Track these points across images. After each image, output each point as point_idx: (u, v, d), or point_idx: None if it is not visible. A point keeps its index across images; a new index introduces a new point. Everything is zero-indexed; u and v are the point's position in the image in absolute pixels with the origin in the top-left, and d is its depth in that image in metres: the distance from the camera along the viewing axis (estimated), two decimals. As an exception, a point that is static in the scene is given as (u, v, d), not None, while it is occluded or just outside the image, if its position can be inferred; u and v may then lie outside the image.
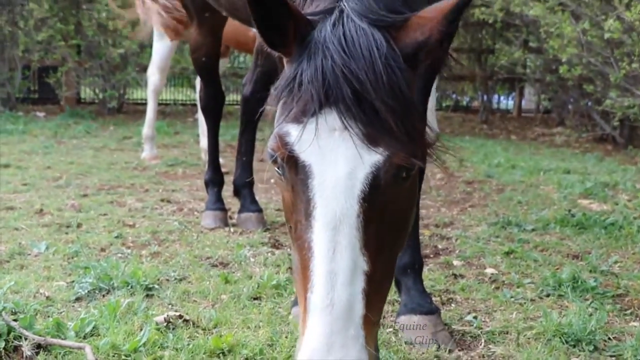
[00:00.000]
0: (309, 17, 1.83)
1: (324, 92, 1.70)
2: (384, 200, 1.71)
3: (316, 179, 1.69)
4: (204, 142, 6.79)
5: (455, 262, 4.02)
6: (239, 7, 3.55)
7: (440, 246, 4.41)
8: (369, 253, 1.67)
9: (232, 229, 4.68)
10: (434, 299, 3.17)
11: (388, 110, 1.69)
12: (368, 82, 1.69)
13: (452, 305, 3.34)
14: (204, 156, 6.63)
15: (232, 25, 5.53)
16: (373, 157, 1.69)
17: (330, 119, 1.69)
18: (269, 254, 4.03)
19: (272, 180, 5.55)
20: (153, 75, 7.91)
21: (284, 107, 1.79)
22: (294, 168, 1.73)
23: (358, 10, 1.80)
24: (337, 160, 1.68)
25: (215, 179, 4.90)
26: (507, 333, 2.96)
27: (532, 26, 10.63)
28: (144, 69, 12.87)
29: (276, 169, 1.79)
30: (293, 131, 1.72)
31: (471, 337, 2.94)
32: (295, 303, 3.05)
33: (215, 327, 2.88)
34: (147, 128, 7.93)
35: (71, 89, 12.44)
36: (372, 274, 1.67)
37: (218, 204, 4.83)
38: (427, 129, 1.93)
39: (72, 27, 11.59)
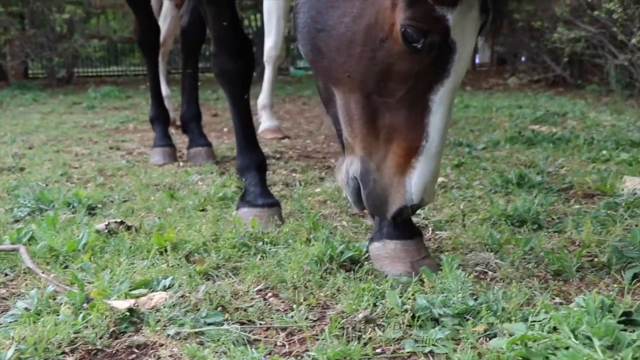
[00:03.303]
0: None
1: None
2: None
3: (457, 54, 1.90)
4: (261, 98, 6.11)
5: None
6: None
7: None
8: None
9: (181, 164, 4.61)
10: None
11: None
12: None
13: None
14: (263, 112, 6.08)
15: None
16: (480, 23, 1.94)
17: None
18: (217, 178, 3.98)
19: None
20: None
21: None
22: (439, 45, 1.88)
23: None
24: (471, 37, 1.91)
25: (159, 115, 4.80)
26: (454, 221, 2.96)
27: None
28: (91, 37, 12.68)
29: (411, 43, 1.88)
30: (449, 14, 1.84)
31: (418, 226, 2.93)
32: (239, 205, 3.01)
33: (159, 231, 2.82)
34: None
35: (16, 59, 12.13)
36: None
37: (165, 139, 4.74)
38: None
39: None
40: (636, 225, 2.71)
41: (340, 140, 2.20)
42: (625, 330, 1.74)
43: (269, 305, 2.08)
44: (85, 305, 1.99)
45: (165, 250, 2.53)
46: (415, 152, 1.95)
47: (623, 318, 1.79)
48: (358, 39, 1.95)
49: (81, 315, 1.93)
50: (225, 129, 6.67)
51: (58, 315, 1.94)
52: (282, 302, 2.11)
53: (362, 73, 1.96)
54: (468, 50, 1.92)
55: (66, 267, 2.45)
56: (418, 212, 3.04)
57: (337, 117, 2.12)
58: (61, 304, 2.04)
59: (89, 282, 2.24)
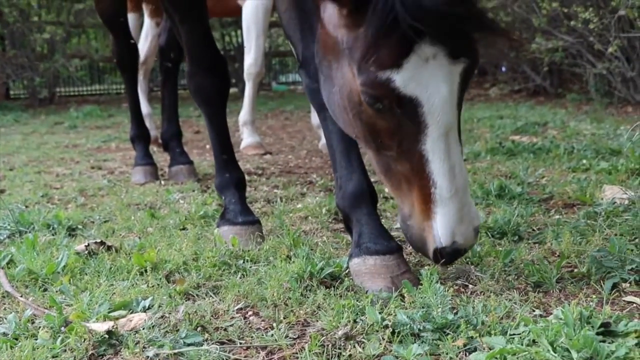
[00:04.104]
0: None
1: (414, 30, 1.87)
2: (465, 93, 2.07)
3: (425, 107, 1.94)
4: (242, 114, 6.17)
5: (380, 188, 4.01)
6: None
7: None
8: (459, 138, 2.07)
9: (163, 183, 4.60)
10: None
11: (467, 21, 1.94)
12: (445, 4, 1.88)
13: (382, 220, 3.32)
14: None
15: None
16: (460, 67, 1.96)
17: (424, 51, 1.90)
18: (199, 196, 3.97)
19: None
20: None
21: (368, 51, 1.94)
22: (400, 104, 1.96)
23: None
24: (438, 85, 1.93)
25: (140, 134, 4.79)
26: (435, 234, 2.96)
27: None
28: (72, 56, 12.64)
29: (374, 107, 2.00)
30: (394, 75, 1.92)
31: (399, 241, 2.93)
32: (220, 223, 3.00)
33: (139, 251, 2.80)
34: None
35: (-3, 80, 12.10)
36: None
37: (146, 158, 4.73)
38: None
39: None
40: (615, 235, 2.73)
41: None
42: (604, 341, 1.75)
43: (249, 324, 2.07)
44: (63, 328, 1.97)
45: (146, 271, 2.52)
46: (430, 199, 2.03)
47: (602, 329, 1.79)
48: (347, 106, 2.12)
49: (59, 339, 1.92)
50: (208, 146, 6.65)
51: (36, 340, 1.93)
52: (262, 320, 2.10)
53: (362, 133, 2.13)
54: (439, 101, 1.94)
55: (45, 290, 2.43)
56: (398, 227, 3.06)
57: None
58: (39, 327, 2.02)
59: (68, 305, 2.22)
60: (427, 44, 1.90)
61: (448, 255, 2.07)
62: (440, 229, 2.03)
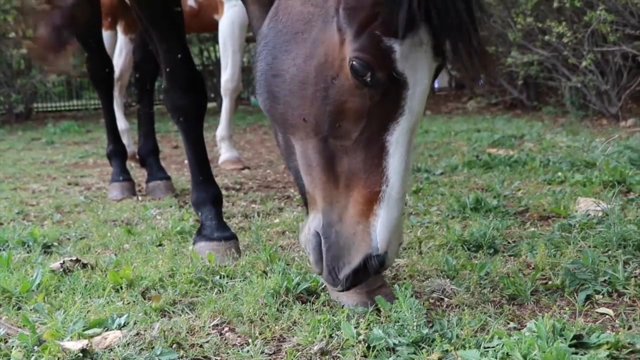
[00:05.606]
0: None
1: (423, 8, 1.78)
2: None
3: (409, 90, 1.87)
4: (220, 129, 6.18)
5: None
6: None
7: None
8: None
9: (140, 198, 4.58)
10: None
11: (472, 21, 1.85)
12: None
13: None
14: (222, 144, 6.14)
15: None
16: (436, 64, 1.91)
17: (422, 34, 1.82)
18: (176, 211, 3.96)
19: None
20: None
21: (377, 13, 1.81)
22: (389, 79, 1.85)
23: None
24: (424, 73, 1.87)
25: (116, 150, 4.77)
26: (411, 248, 2.98)
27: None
28: (49, 72, 12.55)
29: (359, 77, 1.85)
30: (397, 46, 1.82)
31: (376, 254, 2.94)
32: (196, 239, 3.00)
33: (115, 268, 2.79)
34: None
35: (-28, 97, 11.99)
36: None
37: (123, 174, 4.71)
38: None
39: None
40: (589, 247, 2.76)
41: (303, 198, 2.21)
42: (576, 353, 1.77)
43: (225, 340, 2.07)
44: (36, 347, 1.95)
45: (121, 288, 2.51)
46: (377, 198, 1.88)
47: (574, 341, 1.81)
48: (310, 79, 1.94)
49: (33, 358, 1.90)
50: (186, 161, 6.57)
51: (9, 360, 1.91)
52: (238, 336, 2.10)
53: (317, 115, 1.94)
54: (422, 89, 1.88)
55: (19, 308, 2.41)
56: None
57: (298, 171, 2.08)
58: (12, 347, 2.00)
59: (42, 324, 2.20)
60: (425, 30, 1.82)
61: (376, 266, 1.92)
62: (380, 233, 1.88)
